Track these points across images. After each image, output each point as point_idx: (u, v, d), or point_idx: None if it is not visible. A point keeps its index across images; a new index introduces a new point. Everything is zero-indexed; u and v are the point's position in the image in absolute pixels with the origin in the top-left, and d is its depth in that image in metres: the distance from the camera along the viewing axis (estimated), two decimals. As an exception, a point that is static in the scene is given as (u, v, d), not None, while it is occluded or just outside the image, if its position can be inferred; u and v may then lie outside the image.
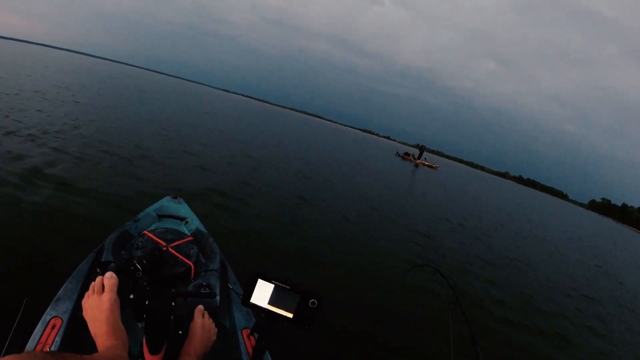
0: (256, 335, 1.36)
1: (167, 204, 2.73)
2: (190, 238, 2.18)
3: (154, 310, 0.98)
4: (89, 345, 0.84)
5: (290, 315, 1.16)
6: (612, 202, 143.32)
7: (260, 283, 1.15)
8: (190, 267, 1.87)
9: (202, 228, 2.49)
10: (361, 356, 2.99)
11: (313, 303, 1.14)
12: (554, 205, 58.71)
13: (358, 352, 3.01)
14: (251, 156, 11.11)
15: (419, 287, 4.48)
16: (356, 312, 3.56)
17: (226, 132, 16.62)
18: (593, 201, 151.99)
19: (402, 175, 22.00)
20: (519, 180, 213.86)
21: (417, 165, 35.29)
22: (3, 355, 1.41)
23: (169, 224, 2.49)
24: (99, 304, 0.87)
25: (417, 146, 41.93)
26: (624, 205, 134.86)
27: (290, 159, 13.28)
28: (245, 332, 1.63)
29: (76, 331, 1.40)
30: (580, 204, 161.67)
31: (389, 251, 5.81)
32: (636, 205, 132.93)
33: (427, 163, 38.53)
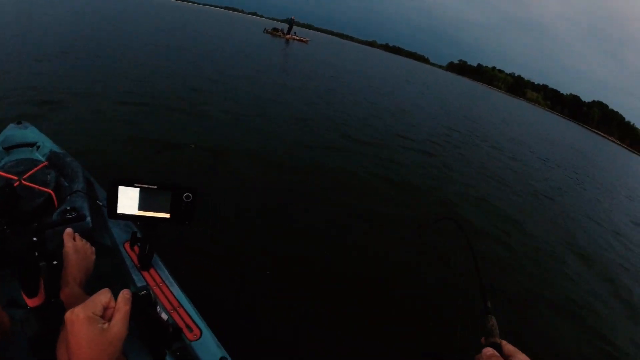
0: (139, 244, 1.34)
1: (12, 132, 2.36)
2: (45, 163, 1.93)
3: (14, 252, 0.87)
4: None
5: (167, 216, 1.10)
6: (468, 62, 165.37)
7: (123, 190, 1.06)
8: (49, 194, 1.68)
9: (56, 149, 2.22)
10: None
11: (188, 197, 1.08)
12: (419, 68, 65.59)
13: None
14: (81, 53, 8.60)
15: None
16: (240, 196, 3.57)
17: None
18: (451, 63, 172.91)
19: (271, 52, 20.61)
20: (386, 47, 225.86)
21: (287, 41, 33.56)
22: None
23: (19, 154, 2.16)
24: None
25: (286, 20, 39.24)
26: (479, 65, 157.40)
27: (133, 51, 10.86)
28: (127, 245, 1.52)
29: None
30: (440, 66, 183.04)
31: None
32: (490, 65, 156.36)
33: (297, 37, 36.82)
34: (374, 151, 5.94)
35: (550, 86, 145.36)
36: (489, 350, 0.60)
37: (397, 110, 10.82)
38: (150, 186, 1.06)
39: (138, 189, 1.05)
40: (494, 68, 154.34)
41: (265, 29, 40.16)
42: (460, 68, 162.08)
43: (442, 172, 6.12)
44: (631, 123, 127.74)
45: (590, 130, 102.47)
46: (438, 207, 4.60)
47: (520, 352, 0.60)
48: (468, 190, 5.56)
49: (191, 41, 15.36)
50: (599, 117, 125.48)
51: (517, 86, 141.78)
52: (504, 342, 0.63)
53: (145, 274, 1.36)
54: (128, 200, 1.06)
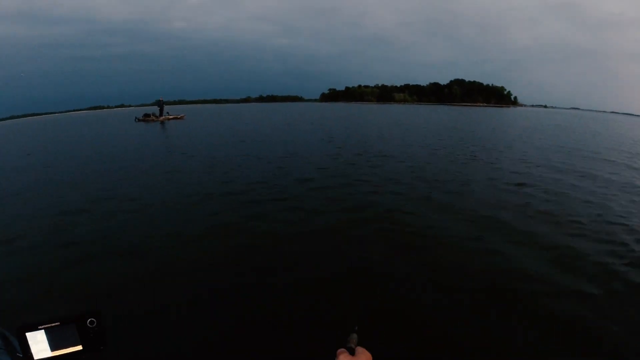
0: None
1: None
2: None
3: None
4: None
5: (80, 348, 1.05)
6: (337, 89, 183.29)
7: (30, 335, 1.01)
8: None
9: None
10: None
11: (92, 322, 1.05)
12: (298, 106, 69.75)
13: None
14: None
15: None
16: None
17: None
18: (323, 94, 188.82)
19: (146, 138, 20.91)
20: (260, 99, 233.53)
21: (162, 123, 33.56)
22: None
23: None
24: None
25: (155, 103, 38.83)
26: (347, 88, 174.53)
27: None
28: None
29: None
30: (315, 100, 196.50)
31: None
32: (356, 85, 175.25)
33: (171, 117, 37.07)
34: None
35: (411, 83, 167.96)
36: (342, 351, 0.85)
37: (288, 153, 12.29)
38: (53, 324, 1.02)
39: (43, 330, 1.01)
40: (359, 86, 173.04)
41: (135, 117, 38.83)
42: (332, 96, 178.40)
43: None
44: (490, 84, 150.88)
45: (457, 105, 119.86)
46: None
47: (364, 352, 0.85)
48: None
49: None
50: (460, 92, 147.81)
51: (384, 94, 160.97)
52: (358, 348, 0.88)
53: None
54: (39, 344, 1.01)
